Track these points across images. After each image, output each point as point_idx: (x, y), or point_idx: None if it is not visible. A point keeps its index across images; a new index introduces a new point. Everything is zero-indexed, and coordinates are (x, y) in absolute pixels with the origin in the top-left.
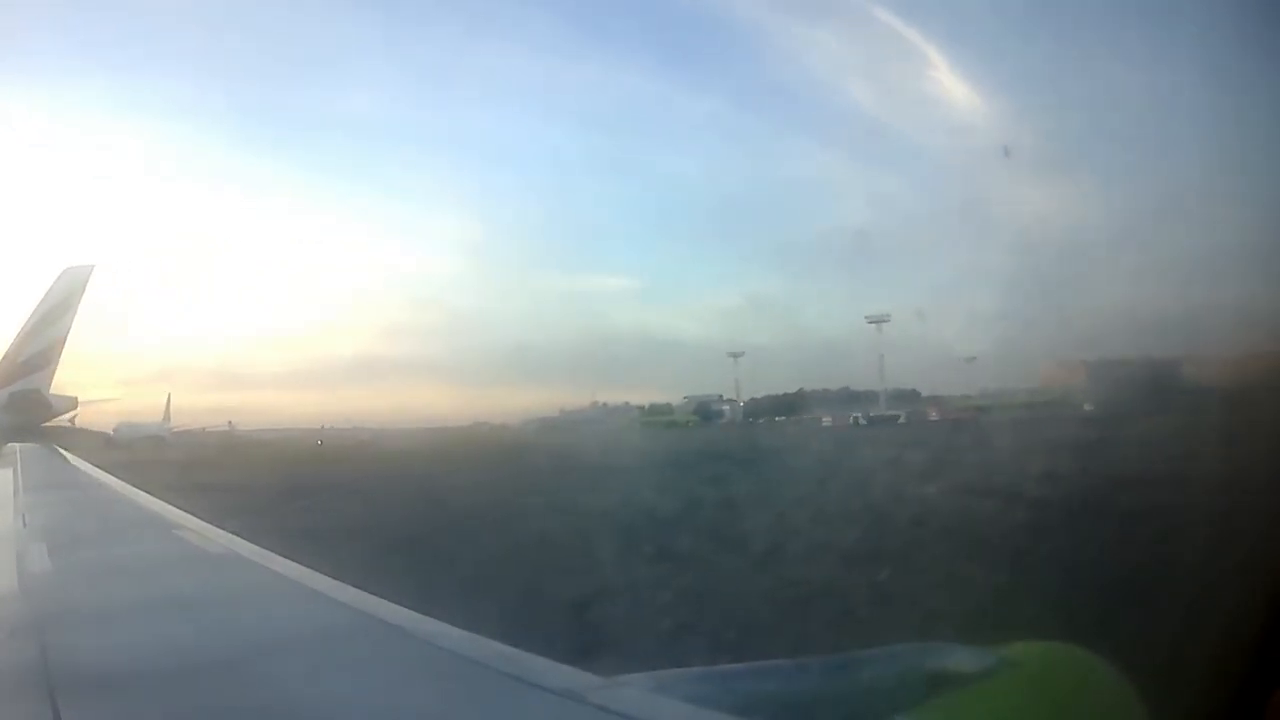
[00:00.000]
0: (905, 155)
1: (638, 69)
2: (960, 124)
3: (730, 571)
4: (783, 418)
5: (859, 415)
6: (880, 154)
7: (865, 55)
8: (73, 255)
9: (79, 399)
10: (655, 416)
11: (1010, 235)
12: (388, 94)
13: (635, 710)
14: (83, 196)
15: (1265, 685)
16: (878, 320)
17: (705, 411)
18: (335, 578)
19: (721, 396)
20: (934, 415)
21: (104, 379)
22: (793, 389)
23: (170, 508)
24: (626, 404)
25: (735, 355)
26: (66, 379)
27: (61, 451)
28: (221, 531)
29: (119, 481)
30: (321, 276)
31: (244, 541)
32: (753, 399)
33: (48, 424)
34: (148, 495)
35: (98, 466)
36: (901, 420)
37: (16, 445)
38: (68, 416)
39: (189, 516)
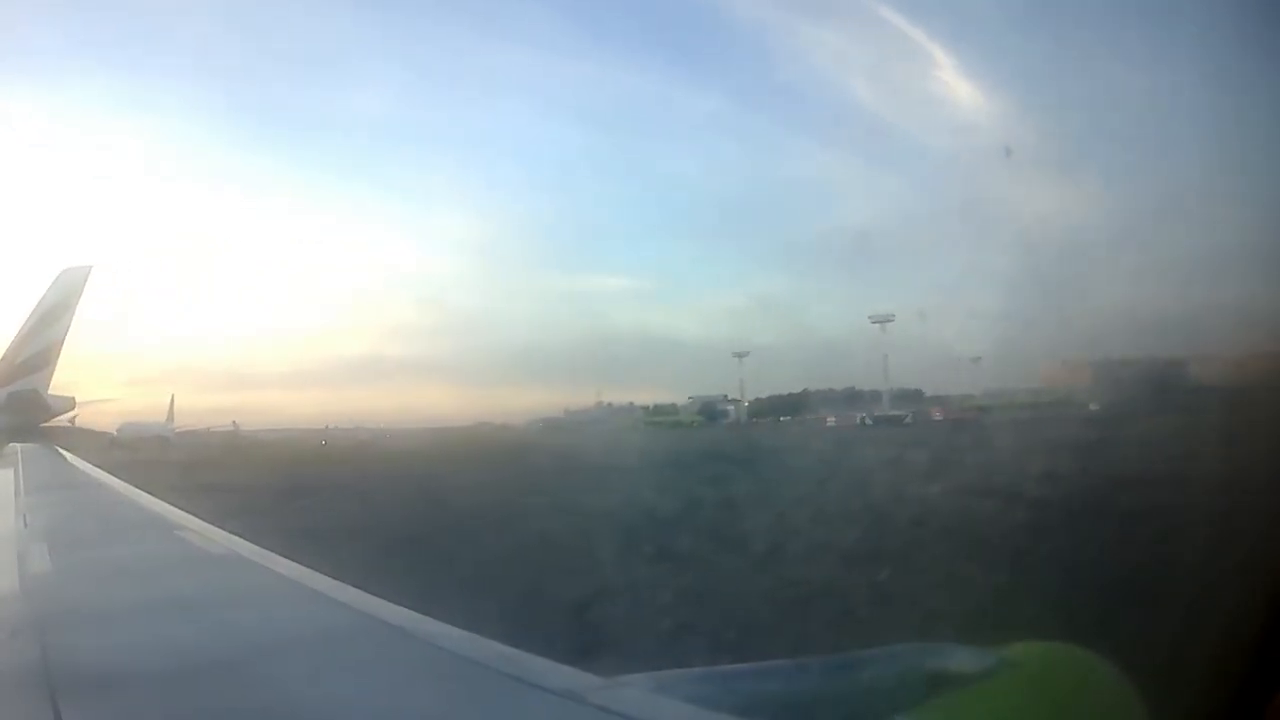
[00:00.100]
0: (909, 155)
1: (642, 68)
2: (964, 124)
3: (753, 577)
4: (787, 418)
5: (865, 415)
6: (884, 154)
7: (870, 55)
8: (75, 256)
9: (77, 399)
10: (660, 417)
11: (1013, 235)
12: (390, 93)
13: (636, 711)
14: (84, 196)
15: (1266, 686)
16: (881, 320)
17: (710, 412)
18: (337, 578)
19: (726, 396)
20: (938, 415)
21: (109, 379)
22: (797, 389)
23: (171, 508)
24: (631, 404)
25: (740, 355)
26: (70, 379)
27: (62, 452)
28: (223, 532)
29: (120, 482)
30: (325, 276)
31: (245, 542)
32: (757, 399)
33: (48, 424)
34: (149, 496)
35: (101, 467)
36: (908, 420)
37: (18, 446)
38: (67, 417)
39: (190, 517)
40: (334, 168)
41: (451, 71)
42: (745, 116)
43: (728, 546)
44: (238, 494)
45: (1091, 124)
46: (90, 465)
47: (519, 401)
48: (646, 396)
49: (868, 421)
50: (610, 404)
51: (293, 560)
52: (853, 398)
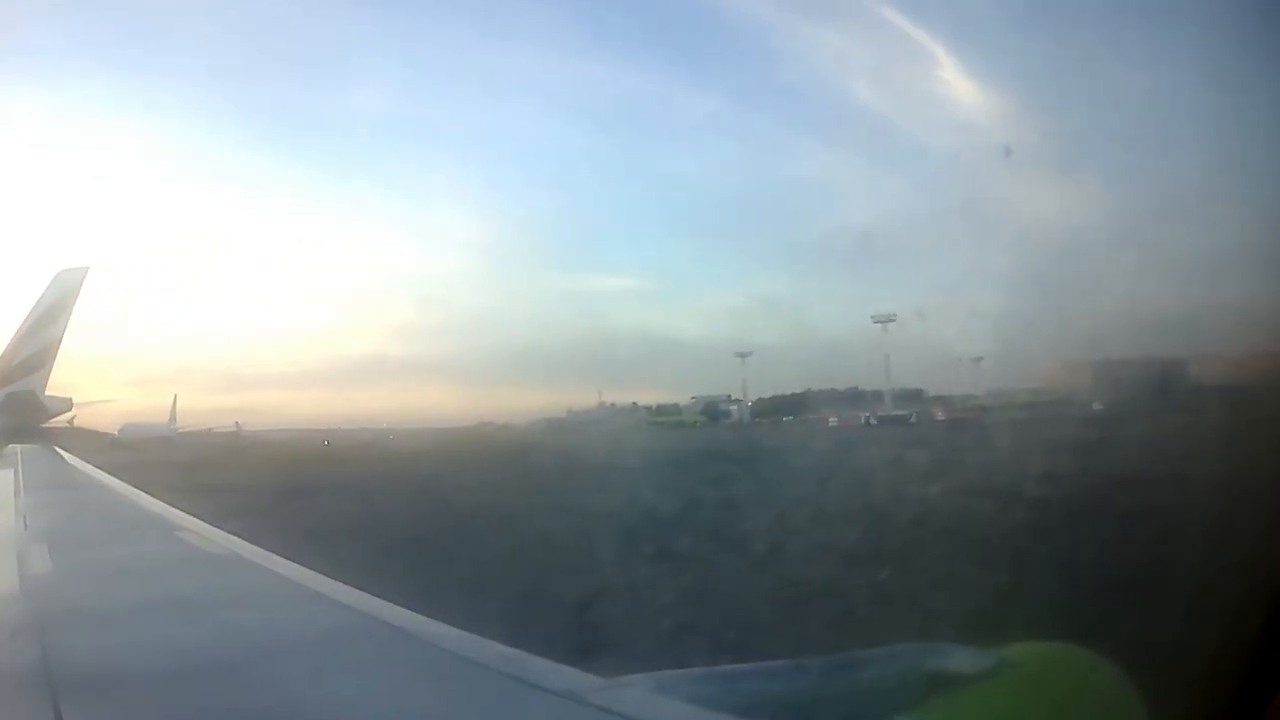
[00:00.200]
0: (911, 155)
1: (644, 68)
2: (966, 124)
3: (765, 580)
4: (790, 418)
5: (870, 415)
6: (886, 153)
7: (871, 55)
8: (75, 256)
9: (74, 400)
10: (663, 417)
11: (1015, 235)
12: (391, 93)
13: (636, 711)
14: (84, 196)
15: (1266, 686)
16: (884, 320)
17: (713, 412)
18: (339, 579)
19: (729, 397)
20: (940, 415)
21: (110, 380)
22: (799, 389)
23: (171, 509)
24: (634, 404)
25: (742, 355)
26: (71, 380)
27: (62, 453)
28: (222, 532)
29: (120, 483)
30: (328, 277)
31: (245, 543)
32: (760, 399)
33: (48, 425)
34: (149, 496)
35: (102, 468)
36: (913, 420)
37: (17, 447)
38: (65, 418)
39: (189, 517)
40: (336, 167)
41: (452, 71)
42: (747, 116)
43: (738, 548)
44: (239, 494)
45: (1093, 124)
46: (90, 466)
47: (522, 402)
48: (649, 397)
49: (872, 421)
50: (613, 404)
51: (296, 562)
52: (855, 398)
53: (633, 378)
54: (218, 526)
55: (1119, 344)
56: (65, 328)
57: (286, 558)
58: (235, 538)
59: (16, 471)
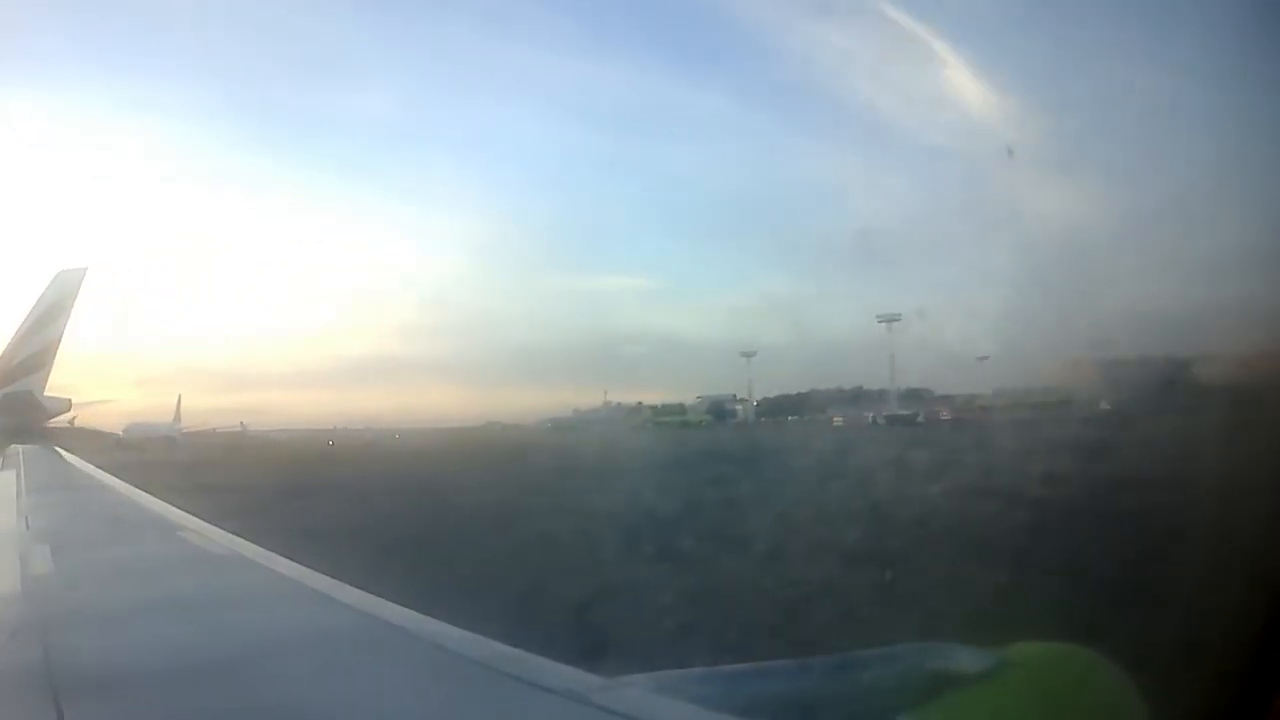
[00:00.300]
0: (915, 154)
1: (646, 68)
2: (970, 123)
3: (774, 580)
4: (794, 417)
5: (876, 415)
6: (890, 153)
7: (877, 54)
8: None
9: (74, 400)
10: (668, 416)
11: (1019, 234)
12: (392, 93)
13: (637, 711)
14: (85, 196)
15: (1267, 686)
16: (889, 319)
17: (718, 411)
18: (342, 579)
19: (734, 396)
20: (945, 415)
21: (113, 380)
22: (804, 389)
23: (172, 509)
24: (639, 404)
25: (747, 355)
26: (72, 380)
27: (63, 453)
28: (224, 532)
29: (122, 483)
30: (332, 277)
31: (247, 542)
32: (765, 399)
33: (49, 425)
34: (150, 496)
35: (104, 468)
36: (919, 420)
37: (19, 447)
38: (64, 418)
39: (192, 518)
40: (338, 168)
41: (453, 71)
42: (750, 115)
43: (742, 548)
44: (243, 495)
45: (1096, 123)
46: (92, 466)
47: (527, 401)
48: (654, 396)
49: (878, 421)
50: (618, 404)
51: (301, 562)
52: (860, 397)
53: (638, 378)
54: (222, 527)
55: (1124, 343)
56: (65, 328)
57: (291, 558)
58: (238, 538)
59: (18, 472)
